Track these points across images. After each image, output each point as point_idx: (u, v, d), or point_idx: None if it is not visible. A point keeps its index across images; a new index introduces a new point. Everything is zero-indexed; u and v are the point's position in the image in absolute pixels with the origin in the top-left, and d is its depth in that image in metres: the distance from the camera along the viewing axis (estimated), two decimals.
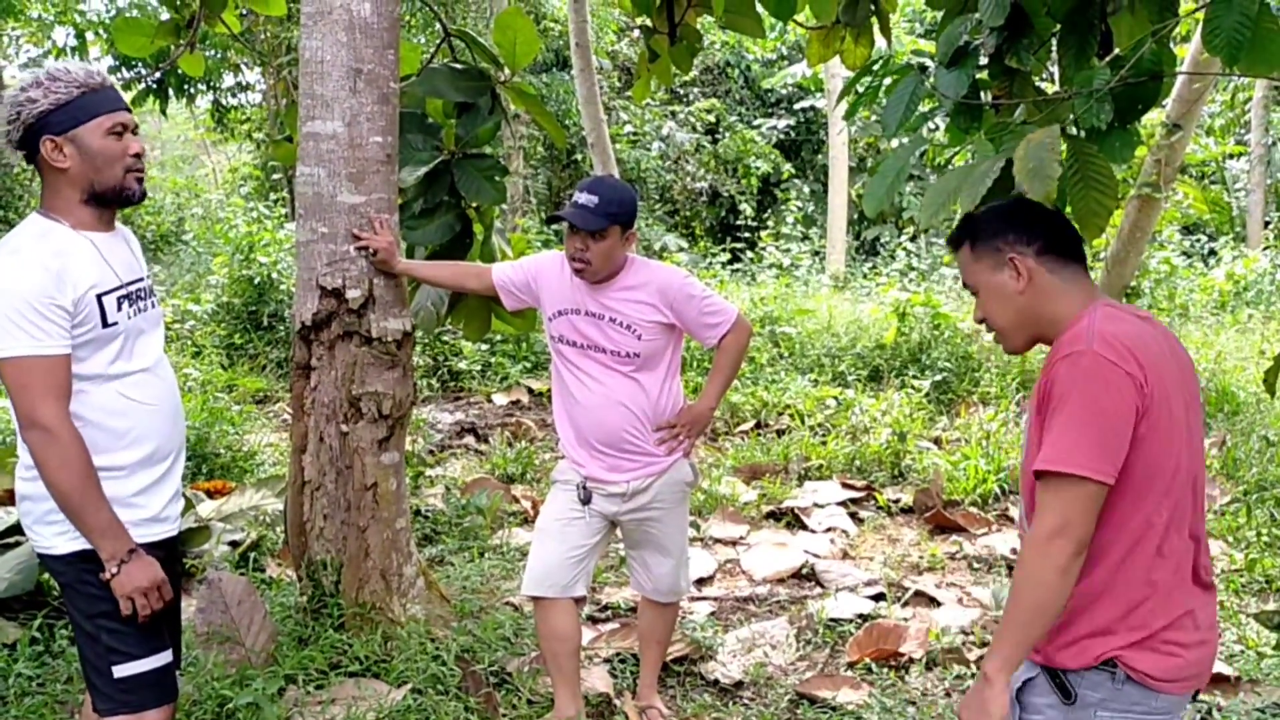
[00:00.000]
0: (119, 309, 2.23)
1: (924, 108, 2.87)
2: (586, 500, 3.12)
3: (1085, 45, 2.58)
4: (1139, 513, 1.76)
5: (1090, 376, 1.72)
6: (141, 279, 2.34)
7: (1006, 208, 1.98)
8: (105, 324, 2.19)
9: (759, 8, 3.89)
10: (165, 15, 4.94)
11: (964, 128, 2.77)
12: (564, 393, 3.16)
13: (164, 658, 2.29)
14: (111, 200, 2.25)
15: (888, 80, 2.90)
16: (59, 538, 2.20)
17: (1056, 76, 3.01)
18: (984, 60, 2.81)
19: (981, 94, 2.88)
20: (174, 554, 2.44)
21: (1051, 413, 1.74)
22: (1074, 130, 2.50)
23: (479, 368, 8.62)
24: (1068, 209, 2.39)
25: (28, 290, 2.07)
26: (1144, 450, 1.73)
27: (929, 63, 2.80)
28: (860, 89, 3.00)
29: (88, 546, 2.18)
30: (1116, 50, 2.68)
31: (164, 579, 2.23)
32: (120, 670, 2.22)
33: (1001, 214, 1.95)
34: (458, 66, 4.23)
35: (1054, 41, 2.87)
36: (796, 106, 17.42)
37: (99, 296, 2.18)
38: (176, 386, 2.42)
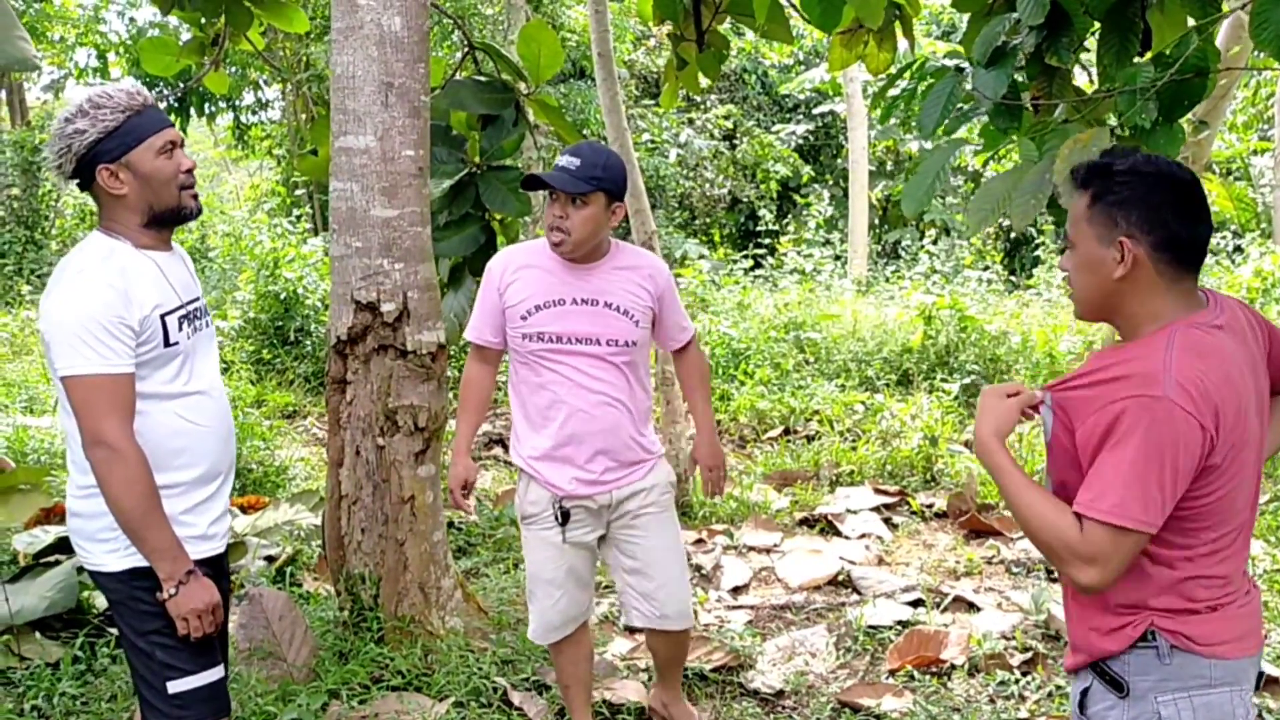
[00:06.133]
0: (180, 329, 2.24)
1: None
2: (564, 520, 2.88)
3: (1126, 43, 2.55)
4: (1200, 534, 1.71)
5: (1161, 425, 1.59)
6: (197, 298, 2.35)
7: (1149, 175, 1.69)
8: (167, 343, 2.20)
9: (798, 17, 3.87)
10: (186, 35, 4.98)
11: (1002, 128, 2.75)
12: (542, 398, 2.88)
13: (217, 672, 2.30)
14: (170, 220, 2.26)
15: (922, 85, 2.89)
16: (110, 555, 2.21)
17: (1095, 75, 2.98)
18: (1022, 60, 2.79)
19: (1019, 94, 2.86)
20: (220, 570, 2.44)
21: (1109, 447, 1.63)
22: (1117, 129, 2.47)
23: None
24: None
25: (96, 309, 2.08)
26: (1207, 489, 1.67)
27: (964, 64, 2.77)
28: (894, 92, 2.99)
29: (140, 564, 2.18)
30: (1152, 49, 2.66)
31: (219, 601, 2.23)
32: (175, 686, 2.23)
33: (1139, 182, 1.69)
34: (482, 79, 4.25)
35: (1092, 39, 2.85)
36: (815, 111, 17.38)
37: (163, 316, 2.19)
38: (229, 408, 2.42)
